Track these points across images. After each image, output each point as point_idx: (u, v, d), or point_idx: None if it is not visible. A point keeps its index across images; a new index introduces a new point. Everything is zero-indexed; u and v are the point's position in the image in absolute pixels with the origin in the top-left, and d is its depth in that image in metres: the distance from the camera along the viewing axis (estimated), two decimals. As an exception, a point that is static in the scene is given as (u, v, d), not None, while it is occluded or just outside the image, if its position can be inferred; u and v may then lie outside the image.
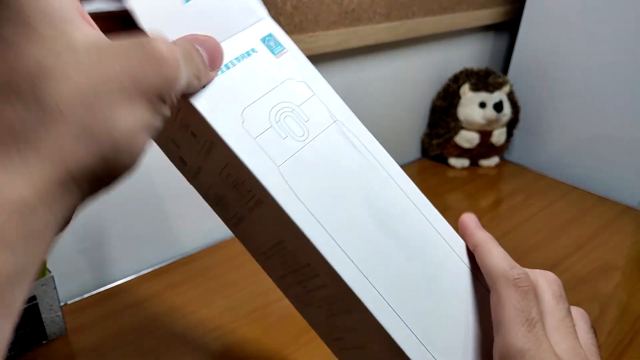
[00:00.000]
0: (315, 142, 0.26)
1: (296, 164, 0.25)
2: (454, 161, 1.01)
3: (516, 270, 0.26)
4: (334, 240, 0.24)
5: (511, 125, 1.00)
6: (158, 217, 0.69)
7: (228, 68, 0.25)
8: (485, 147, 0.98)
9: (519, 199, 0.89)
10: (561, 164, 0.99)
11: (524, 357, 0.23)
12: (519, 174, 0.99)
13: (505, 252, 0.28)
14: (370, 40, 0.80)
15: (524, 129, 1.03)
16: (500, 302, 0.25)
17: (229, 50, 0.25)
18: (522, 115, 1.01)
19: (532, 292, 0.25)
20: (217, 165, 0.26)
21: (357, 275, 0.24)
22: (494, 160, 1.02)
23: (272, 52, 0.27)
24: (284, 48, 0.27)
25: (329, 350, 0.44)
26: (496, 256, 0.27)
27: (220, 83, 0.25)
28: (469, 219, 0.30)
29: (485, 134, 0.96)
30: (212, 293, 0.61)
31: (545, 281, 0.27)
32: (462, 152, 0.99)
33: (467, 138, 0.96)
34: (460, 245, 0.29)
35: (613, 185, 0.92)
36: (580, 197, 0.89)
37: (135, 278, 0.66)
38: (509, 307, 0.25)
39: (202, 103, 0.24)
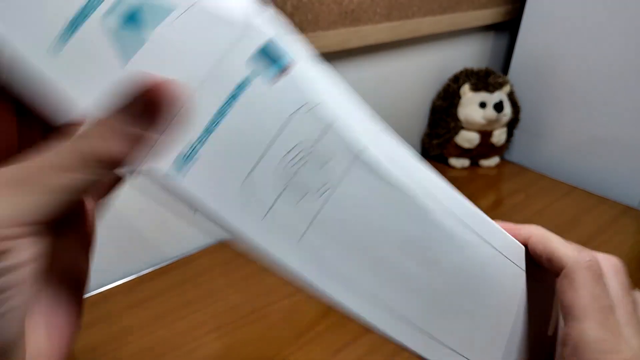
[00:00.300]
0: (339, 190, 0.20)
1: (319, 229, 0.20)
2: (454, 161, 1.01)
3: (586, 253, 0.25)
4: (385, 303, 0.22)
5: (511, 125, 1.00)
6: (158, 217, 0.69)
7: (216, 124, 0.18)
8: (486, 147, 0.98)
9: (519, 199, 0.88)
10: (561, 164, 0.99)
11: (602, 347, 0.22)
12: (519, 174, 0.99)
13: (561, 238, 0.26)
14: (370, 40, 0.80)
15: (524, 129, 1.03)
16: (574, 286, 0.24)
17: (211, 94, 0.18)
18: (522, 115, 1.01)
19: (602, 278, 0.24)
20: (222, 232, 0.20)
21: (417, 336, 0.23)
22: (494, 161, 1.02)
23: (275, 69, 0.19)
24: (290, 58, 0.19)
25: (328, 351, 0.44)
26: (559, 242, 0.26)
27: (208, 148, 0.18)
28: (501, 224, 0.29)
29: (485, 134, 0.96)
30: (212, 293, 0.61)
31: (611, 268, 0.25)
32: (462, 152, 0.99)
33: (468, 138, 0.96)
34: (515, 250, 0.27)
35: (613, 185, 0.92)
36: (580, 197, 0.89)
37: (135, 278, 0.66)
38: (584, 292, 0.23)
39: (187, 186, 0.18)
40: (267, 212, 0.19)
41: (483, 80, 0.94)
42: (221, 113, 0.18)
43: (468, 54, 1.05)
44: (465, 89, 0.94)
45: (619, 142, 0.90)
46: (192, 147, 0.18)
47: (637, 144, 0.87)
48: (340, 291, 0.21)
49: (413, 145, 1.05)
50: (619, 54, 0.86)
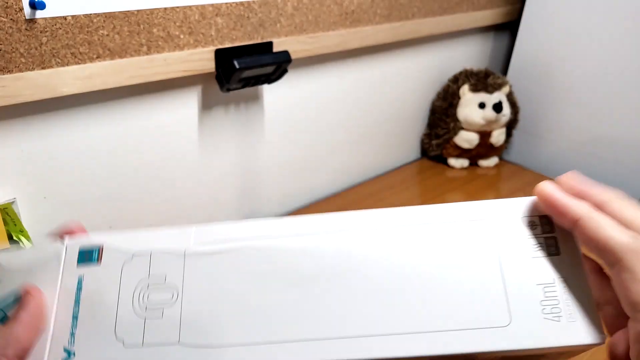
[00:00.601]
0: (186, 288, 0.25)
1: (191, 324, 0.24)
2: (454, 161, 1.01)
3: None
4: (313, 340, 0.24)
5: (510, 125, 1.01)
6: (159, 216, 0.70)
7: (75, 327, 0.24)
8: (485, 148, 0.98)
9: (518, 199, 0.89)
10: (560, 164, 1.00)
11: None
12: (518, 174, 1.00)
13: (611, 219, 0.24)
14: (370, 40, 0.80)
15: (523, 130, 1.03)
16: (637, 279, 0.22)
17: (63, 307, 0.25)
18: (521, 116, 1.02)
19: None
20: None
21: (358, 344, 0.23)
22: (493, 161, 1.02)
23: (94, 257, 0.26)
24: (99, 246, 0.26)
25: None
26: (609, 227, 0.23)
27: (80, 341, 0.24)
28: (551, 188, 0.25)
29: (484, 135, 0.96)
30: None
31: None
32: (461, 153, 1.00)
33: (467, 138, 0.96)
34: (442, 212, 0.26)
35: (612, 185, 0.92)
36: (579, 197, 0.89)
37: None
38: None
39: None
40: (142, 340, 0.24)
41: (482, 80, 0.95)
42: (75, 316, 0.25)
43: (467, 54, 1.05)
44: (465, 90, 0.95)
45: (618, 142, 0.90)
46: (67, 351, 0.24)
47: (636, 144, 0.88)
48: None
49: (413, 146, 1.06)
50: (617, 55, 0.87)
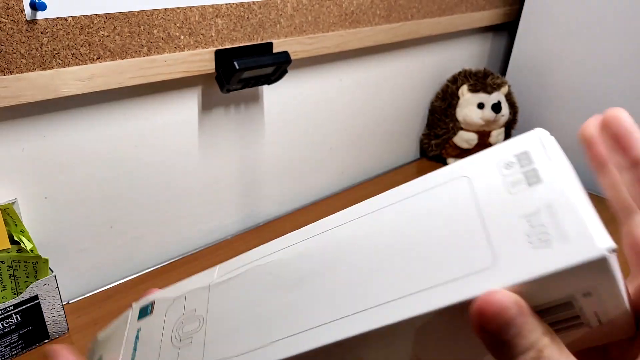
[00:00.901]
0: (210, 314, 0.30)
1: (211, 343, 0.28)
2: (453, 162, 1.01)
3: None
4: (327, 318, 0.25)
5: (509, 125, 1.01)
6: (159, 216, 0.70)
7: None
8: (484, 148, 0.98)
9: (517, 199, 0.89)
10: (559, 164, 1.00)
11: None
12: (517, 174, 1.00)
13: None
14: (370, 41, 0.80)
15: (522, 130, 1.03)
16: None
17: (126, 353, 0.30)
18: (520, 116, 1.02)
19: None
20: None
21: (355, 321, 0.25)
22: (492, 161, 1.03)
23: (149, 313, 0.32)
24: (153, 300, 0.32)
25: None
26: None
27: None
28: (626, 115, 0.22)
29: (483, 135, 0.97)
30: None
31: None
32: (460, 153, 1.00)
33: (466, 139, 0.97)
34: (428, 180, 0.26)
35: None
36: (578, 197, 0.89)
37: (137, 277, 0.66)
38: None
39: None
40: None
41: (481, 81, 0.95)
42: (133, 353, 0.30)
43: (466, 55, 1.05)
44: (464, 90, 0.95)
45: (615, 142, 0.90)
46: None
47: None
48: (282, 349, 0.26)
49: (412, 146, 1.06)
50: (615, 55, 0.87)
